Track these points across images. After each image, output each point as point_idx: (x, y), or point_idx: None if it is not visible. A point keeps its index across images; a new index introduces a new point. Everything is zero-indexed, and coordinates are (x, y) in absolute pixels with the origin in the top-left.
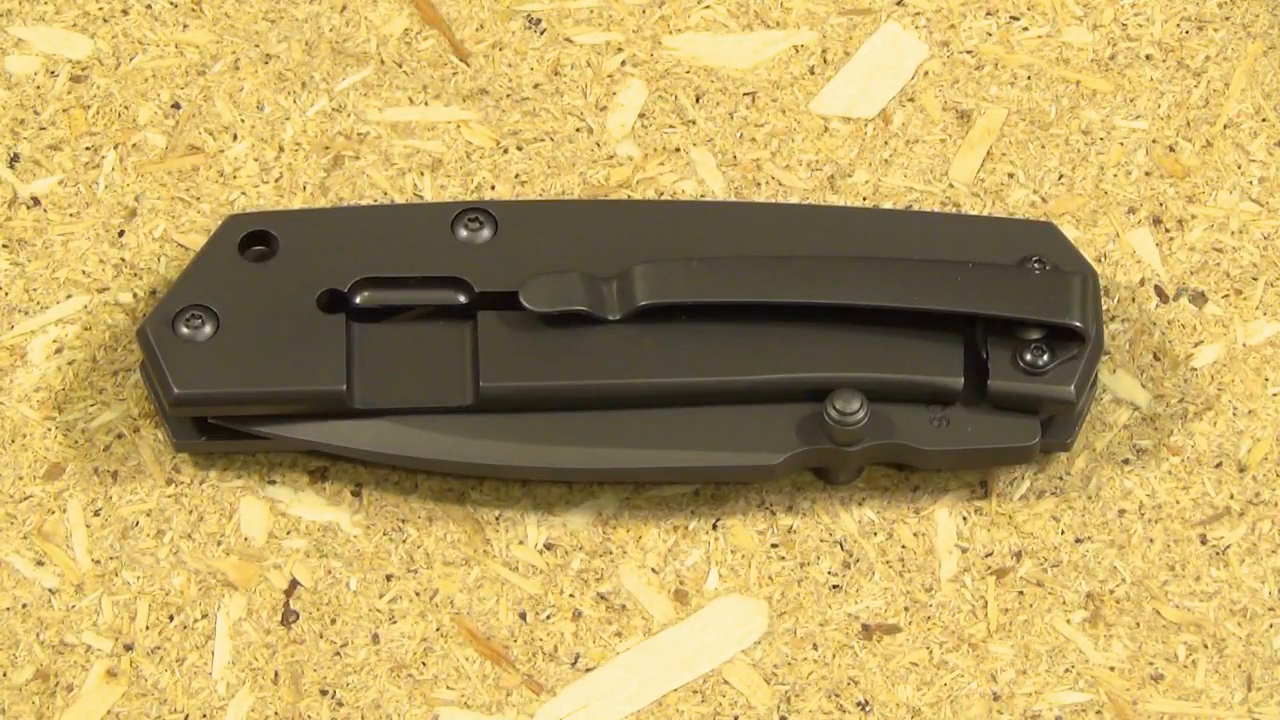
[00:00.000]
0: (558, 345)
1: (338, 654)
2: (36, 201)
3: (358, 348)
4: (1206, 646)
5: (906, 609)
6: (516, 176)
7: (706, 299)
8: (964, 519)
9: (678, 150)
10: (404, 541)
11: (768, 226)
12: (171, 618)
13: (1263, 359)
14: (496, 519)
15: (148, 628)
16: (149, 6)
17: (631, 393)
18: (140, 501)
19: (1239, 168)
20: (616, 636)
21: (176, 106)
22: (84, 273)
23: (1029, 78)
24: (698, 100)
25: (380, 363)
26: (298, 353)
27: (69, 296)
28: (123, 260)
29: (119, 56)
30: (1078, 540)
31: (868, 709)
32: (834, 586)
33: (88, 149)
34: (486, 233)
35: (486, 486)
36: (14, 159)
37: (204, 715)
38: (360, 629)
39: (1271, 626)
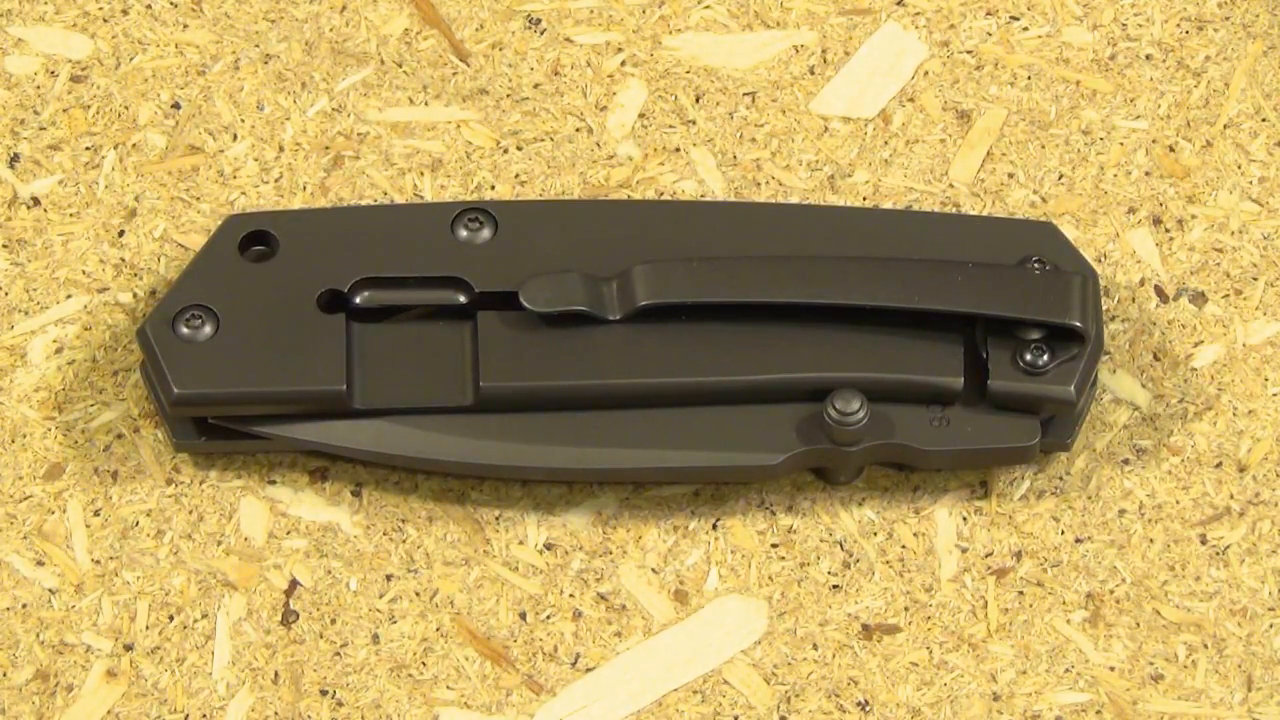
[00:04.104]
0: (558, 345)
1: (338, 654)
2: (36, 201)
3: (358, 348)
4: (1206, 646)
5: (906, 609)
6: (516, 176)
7: (706, 299)
8: (964, 519)
9: (678, 150)
10: (404, 541)
11: (768, 226)
12: (171, 618)
13: (1263, 359)
14: (496, 519)
15: (148, 628)
16: (149, 6)
17: (631, 393)
18: (140, 501)
19: (1239, 168)
20: (616, 636)
21: (176, 106)
22: (84, 273)
23: (1029, 78)
24: (698, 100)
25: (380, 363)
26: (298, 353)
27: (69, 296)
28: (123, 260)
29: (119, 56)
30: (1078, 540)
31: (868, 709)
32: (834, 586)
33: (88, 149)
34: (486, 233)
35: (486, 486)
36: (14, 159)
37: (204, 715)
38: (360, 629)
39: (1271, 626)
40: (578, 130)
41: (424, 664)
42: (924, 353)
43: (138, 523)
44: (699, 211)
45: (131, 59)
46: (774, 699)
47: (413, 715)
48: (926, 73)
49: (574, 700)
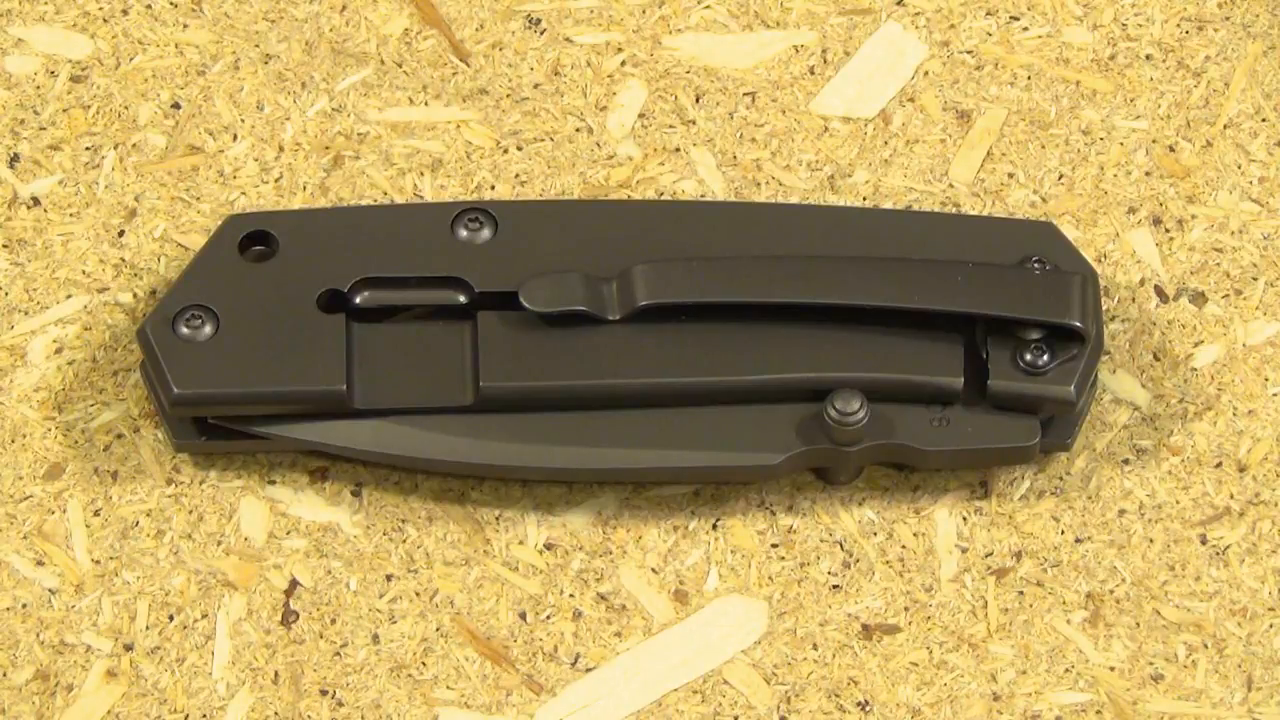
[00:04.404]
0: (558, 345)
1: (338, 654)
2: (36, 201)
3: (358, 348)
4: (1206, 646)
5: (906, 609)
6: (516, 176)
7: (706, 299)
8: (964, 519)
9: (678, 150)
10: (404, 541)
11: (768, 226)
12: (171, 618)
13: (1263, 359)
14: (496, 519)
15: (148, 628)
16: (149, 6)
17: (631, 393)
18: (140, 501)
19: (1239, 168)
20: (616, 636)
21: (176, 106)
22: (84, 273)
23: (1029, 78)
24: (698, 100)
25: (380, 363)
26: (298, 353)
27: (69, 296)
28: (123, 260)
29: (119, 56)
30: (1078, 540)
31: (868, 709)
32: (834, 586)
33: (88, 149)
34: (486, 233)
35: (486, 486)
36: (14, 159)
37: (204, 715)
38: (360, 629)
39: (1271, 626)
40: (578, 130)
41: (424, 664)
42: (924, 353)
43: (138, 523)
44: (699, 211)
45: (131, 59)
46: (774, 699)
47: (413, 715)
48: (926, 73)
49: (574, 700)
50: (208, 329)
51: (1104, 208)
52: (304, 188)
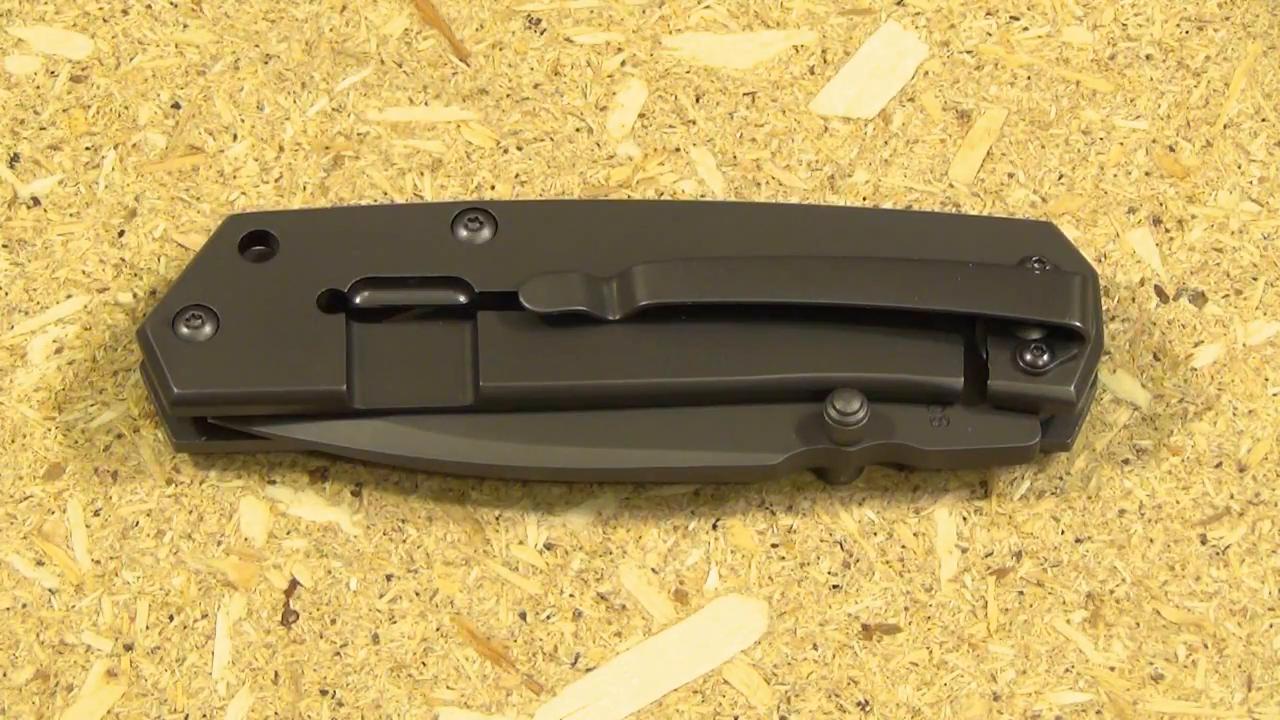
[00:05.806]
0: (558, 345)
1: (338, 654)
2: (36, 201)
3: (358, 348)
4: (1206, 646)
5: (906, 609)
6: (516, 176)
7: (706, 299)
8: (964, 519)
9: (678, 150)
10: (404, 541)
11: (768, 226)
12: (171, 618)
13: (1263, 359)
14: (496, 519)
15: (148, 628)
16: (149, 6)
17: (631, 393)
18: (140, 501)
19: (1239, 168)
20: (616, 636)
21: (176, 106)
22: (84, 273)
23: (1029, 78)
24: (698, 100)
25: (380, 363)
26: (298, 353)
27: (69, 296)
28: (123, 260)
29: (119, 56)
30: (1078, 540)
31: (868, 709)
32: (834, 586)
33: (88, 149)
34: (486, 233)
35: (486, 486)
36: (14, 159)
37: (204, 715)
38: (360, 629)
39: (1271, 626)
40: (578, 130)
41: (424, 664)
42: (924, 353)
43: (138, 523)
44: (699, 211)
45: (131, 59)
46: (774, 699)
47: (413, 715)
48: (926, 73)
49: (574, 700)
50: (208, 329)
51: (1104, 208)
52: (304, 188)
